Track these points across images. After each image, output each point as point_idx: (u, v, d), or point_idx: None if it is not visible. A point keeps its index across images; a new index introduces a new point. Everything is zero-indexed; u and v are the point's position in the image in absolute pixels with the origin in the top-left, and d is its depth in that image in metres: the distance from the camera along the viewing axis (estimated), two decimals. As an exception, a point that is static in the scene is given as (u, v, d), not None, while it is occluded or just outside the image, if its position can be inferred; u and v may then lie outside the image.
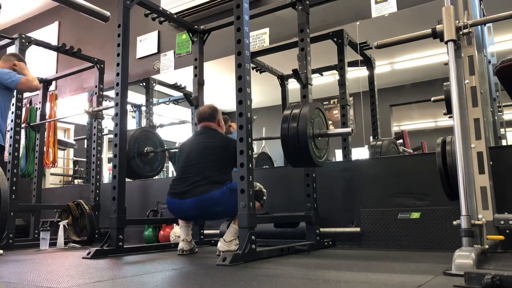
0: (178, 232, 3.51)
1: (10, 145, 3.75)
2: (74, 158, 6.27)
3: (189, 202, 2.65)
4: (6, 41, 4.02)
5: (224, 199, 2.60)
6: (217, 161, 2.73)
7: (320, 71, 3.95)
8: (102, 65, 4.39)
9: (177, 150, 3.11)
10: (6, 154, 3.72)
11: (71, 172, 6.30)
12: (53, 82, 5.33)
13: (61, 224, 3.83)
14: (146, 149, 3.40)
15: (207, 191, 2.62)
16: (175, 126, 5.63)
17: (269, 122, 4.59)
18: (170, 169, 6.52)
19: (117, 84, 2.93)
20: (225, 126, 3.11)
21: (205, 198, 2.62)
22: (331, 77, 4.12)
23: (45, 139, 4.57)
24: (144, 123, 5.16)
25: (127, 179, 3.12)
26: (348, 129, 2.72)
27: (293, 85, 4.10)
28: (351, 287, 1.48)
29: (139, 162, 3.36)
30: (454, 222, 1.83)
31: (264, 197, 2.76)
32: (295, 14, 3.14)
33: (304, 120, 2.45)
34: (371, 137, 3.78)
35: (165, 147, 3.63)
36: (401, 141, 4.08)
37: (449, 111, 2.69)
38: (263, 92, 4.75)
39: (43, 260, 2.68)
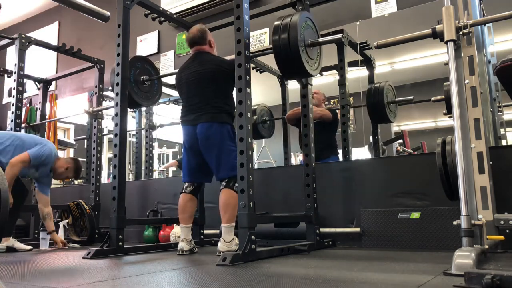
0: (178, 232, 3.51)
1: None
2: (74, 158, 6.27)
3: (200, 126, 2.72)
4: (6, 41, 4.02)
5: (231, 142, 2.68)
6: (217, 87, 2.78)
7: (320, 71, 3.94)
8: (102, 65, 4.40)
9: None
10: None
11: (71, 172, 6.30)
12: (53, 82, 5.33)
13: (61, 224, 3.83)
14: (142, 77, 3.34)
15: (214, 118, 2.71)
16: (175, 126, 5.62)
17: (274, 122, 4.59)
18: (170, 169, 6.52)
19: (117, 84, 2.93)
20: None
21: (213, 126, 2.71)
22: (331, 77, 4.12)
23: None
24: (144, 123, 5.16)
25: (127, 180, 3.12)
26: (339, 35, 2.71)
27: (293, 85, 4.09)
28: (351, 287, 1.48)
29: (136, 89, 3.30)
30: (454, 222, 1.83)
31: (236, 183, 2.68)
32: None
33: (295, 29, 2.43)
34: (371, 137, 3.78)
35: (161, 75, 3.57)
36: (401, 141, 4.09)
37: (449, 111, 2.69)
38: (263, 92, 4.75)
39: (43, 260, 2.68)
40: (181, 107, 2.96)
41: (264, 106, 4.49)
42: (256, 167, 4.45)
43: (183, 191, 2.87)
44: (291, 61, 2.48)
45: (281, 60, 2.52)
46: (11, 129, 3.77)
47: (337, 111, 3.94)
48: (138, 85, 3.33)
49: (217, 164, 2.73)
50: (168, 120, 5.30)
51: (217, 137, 2.70)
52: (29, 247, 3.35)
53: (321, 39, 2.67)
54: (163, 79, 4.72)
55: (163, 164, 6.53)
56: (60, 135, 5.68)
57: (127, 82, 3.02)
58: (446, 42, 1.96)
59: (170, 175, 6.46)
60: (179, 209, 2.86)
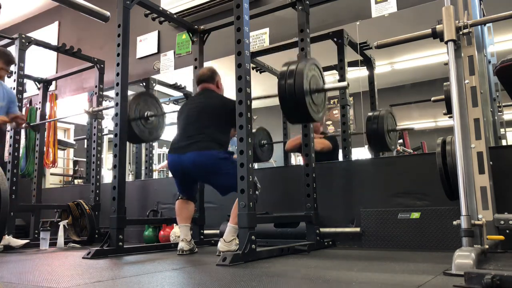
0: (178, 232, 3.50)
1: (10, 145, 3.75)
2: (74, 158, 6.27)
3: (189, 156, 2.67)
4: (6, 41, 4.02)
5: (226, 164, 2.65)
6: (216, 120, 2.78)
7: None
8: (102, 65, 4.39)
9: None
10: (6, 154, 3.73)
11: (71, 172, 6.30)
12: (53, 82, 5.33)
13: (61, 224, 3.82)
14: (146, 113, 3.32)
15: (208, 147, 2.67)
16: (175, 126, 5.62)
17: (269, 122, 4.59)
18: (170, 169, 6.52)
19: (117, 84, 2.93)
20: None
21: (205, 154, 2.66)
22: (331, 77, 4.11)
23: (45, 139, 4.57)
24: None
25: (127, 180, 3.12)
26: (344, 83, 2.72)
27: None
28: (351, 287, 1.48)
29: (140, 125, 3.28)
30: (454, 222, 1.83)
31: (257, 192, 2.68)
32: (295, 14, 3.14)
33: (301, 75, 2.44)
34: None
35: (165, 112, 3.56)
36: (401, 141, 4.08)
37: (449, 111, 2.69)
38: (263, 92, 4.75)
39: (43, 260, 2.68)
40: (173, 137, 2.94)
41: (262, 128, 4.40)
42: (256, 167, 4.44)
43: (179, 197, 2.94)
44: (296, 108, 2.49)
45: (286, 107, 2.53)
46: (11, 129, 3.77)
47: (336, 137, 3.86)
48: (141, 121, 3.29)
49: (220, 187, 2.79)
50: (168, 120, 5.29)
51: (209, 163, 2.68)
52: (25, 241, 3.34)
53: (326, 86, 2.65)
54: (163, 80, 4.72)
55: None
56: (60, 135, 5.68)
57: (127, 82, 3.02)
58: (446, 42, 1.96)
59: (170, 175, 6.46)
60: (176, 212, 2.91)
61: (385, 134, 3.34)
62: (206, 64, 3.80)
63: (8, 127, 3.82)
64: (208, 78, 2.97)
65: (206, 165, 2.67)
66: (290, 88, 2.45)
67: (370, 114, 3.44)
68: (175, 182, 2.95)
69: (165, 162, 6.24)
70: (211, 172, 2.69)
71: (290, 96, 2.45)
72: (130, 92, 3.21)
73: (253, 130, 4.15)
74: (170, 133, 5.82)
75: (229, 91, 2.95)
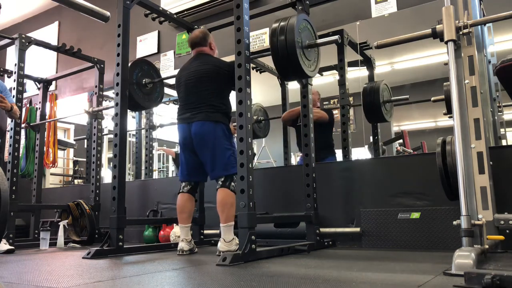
0: (178, 232, 3.50)
1: (10, 145, 3.75)
2: (74, 158, 6.28)
3: (195, 125, 2.74)
4: (6, 41, 4.02)
5: (224, 140, 2.72)
6: (213, 86, 2.80)
7: (320, 71, 3.94)
8: (102, 65, 4.39)
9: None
10: (6, 154, 3.72)
11: (71, 172, 6.31)
12: (53, 82, 5.33)
13: (61, 224, 3.82)
14: (144, 80, 3.34)
15: (209, 117, 2.73)
16: (175, 126, 5.63)
17: (269, 122, 4.59)
18: (170, 169, 6.53)
19: (117, 84, 2.94)
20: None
21: (207, 125, 2.73)
22: (331, 77, 4.12)
23: (45, 139, 4.57)
24: (144, 123, 5.16)
25: (127, 180, 3.12)
26: (335, 37, 2.70)
27: (293, 85, 4.09)
28: (351, 287, 1.48)
29: (138, 92, 3.31)
30: (454, 222, 1.83)
31: (233, 183, 2.72)
32: (295, 14, 3.14)
33: (292, 31, 2.45)
34: (371, 137, 3.78)
35: (162, 77, 3.57)
36: (401, 141, 4.09)
37: (449, 111, 2.69)
38: (263, 92, 4.75)
39: (43, 260, 2.68)
40: (177, 106, 2.98)
41: (259, 105, 4.48)
42: (255, 162, 4.46)
43: (181, 190, 2.88)
44: (288, 62, 2.49)
45: (278, 62, 2.53)
46: (11, 129, 3.77)
47: (333, 111, 3.94)
48: (140, 87, 3.33)
49: (211, 163, 2.73)
50: (168, 120, 5.30)
51: (211, 135, 2.71)
52: (10, 247, 3.21)
53: (318, 41, 2.66)
54: (164, 80, 4.70)
55: (163, 164, 6.53)
56: (60, 135, 5.68)
57: (127, 82, 3.02)
58: (446, 42, 1.96)
59: (170, 174, 6.46)
60: (177, 209, 2.87)
61: (381, 106, 3.45)
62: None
63: (8, 127, 3.82)
64: (201, 40, 2.95)
65: (207, 136, 2.72)
66: (281, 44, 2.46)
67: (365, 85, 3.53)
68: (181, 164, 2.92)
69: (170, 149, 6.25)
70: (211, 145, 2.71)
71: (282, 52, 2.45)
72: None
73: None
74: (170, 133, 5.84)
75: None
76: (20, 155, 3.90)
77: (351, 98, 3.73)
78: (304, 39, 2.56)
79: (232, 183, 2.68)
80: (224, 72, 2.78)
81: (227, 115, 2.82)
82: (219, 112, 2.76)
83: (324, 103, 4.35)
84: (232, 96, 2.61)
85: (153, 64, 3.56)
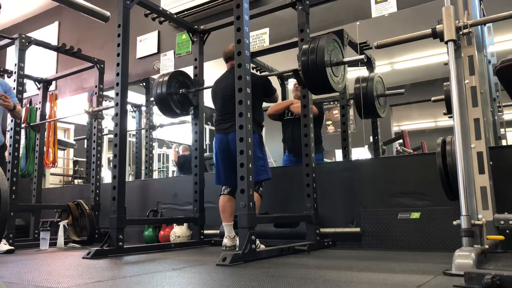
0: (178, 232, 3.52)
1: (10, 145, 3.75)
2: (74, 158, 6.28)
3: (232, 135, 2.88)
4: (6, 41, 4.02)
5: (254, 148, 2.77)
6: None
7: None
8: (102, 65, 4.39)
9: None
10: (6, 153, 3.72)
11: (71, 172, 6.31)
12: (53, 82, 5.33)
13: (61, 224, 3.83)
14: (181, 90, 3.48)
15: None
16: (175, 126, 5.63)
17: (269, 121, 4.58)
18: (171, 169, 6.52)
19: (117, 84, 2.93)
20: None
21: None
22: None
23: (45, 139, 4.57)
24: (144, 123, 5.16)
25: (127, 179, 3.12)
26: (362, 56, 2.87)
27: (293, 85, 4.09)
28: (351, 287, 1.48)
29: (175, 99, 3.46)
30: (454, 222, 1.83)
31: (261, 188, 3.00)
32: (295, 14, 3.14)
33: (322, 51, 2.61)
34: (371, 137, 3.78)
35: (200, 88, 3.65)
36: (401, 141, 4.09)
37: (449, 111, 2.69)
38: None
39: (43, 260, 2.68)
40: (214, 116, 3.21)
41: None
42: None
43: (222, 193, 3.10)
44: (317, 79, 2.62)
45: (309, 79, 2.66)
46: (11, 129, 3.77)
47: (322, 105, 3.90)
48: (177, 96, 3.47)
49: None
50: (168, 120, 5.30)
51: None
52: (9, 247, 3.21)
53: (345, 59, 2.78)
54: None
55: (163, 164, 6.53)
56: (60, 135, 5.68)
57: (127, 82, 3.02)
58: (446, 42, 1.96)
59: (170, 174, 6.46)
60: (220, 209, 3.08)
61: (375, 99, 3.36)
62: (206, 64, 3.80)
63: (8, 127, 3.82)
64: (234, 55, 3.02)
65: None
66: (312, 63, 2.60)
67: (357, 77, 3.45)
68: (219, 169, 3.09)
69: (174, 152, 6.20)
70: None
71: (313, 69, 2.59)
72: (130, 92, 3.21)
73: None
74: (170, 133, 5.84)
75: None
76: (20, 155, 3.90)
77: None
78: (332, 57, 2.70)
79: (261, 188, 2.98)
80: (258, 86, 2.95)
81: (260, 125, 3.07)
82: (253, 123, 2.79)
83: (324, 103, 4.35)
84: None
85: (188, 75, 3.64)
